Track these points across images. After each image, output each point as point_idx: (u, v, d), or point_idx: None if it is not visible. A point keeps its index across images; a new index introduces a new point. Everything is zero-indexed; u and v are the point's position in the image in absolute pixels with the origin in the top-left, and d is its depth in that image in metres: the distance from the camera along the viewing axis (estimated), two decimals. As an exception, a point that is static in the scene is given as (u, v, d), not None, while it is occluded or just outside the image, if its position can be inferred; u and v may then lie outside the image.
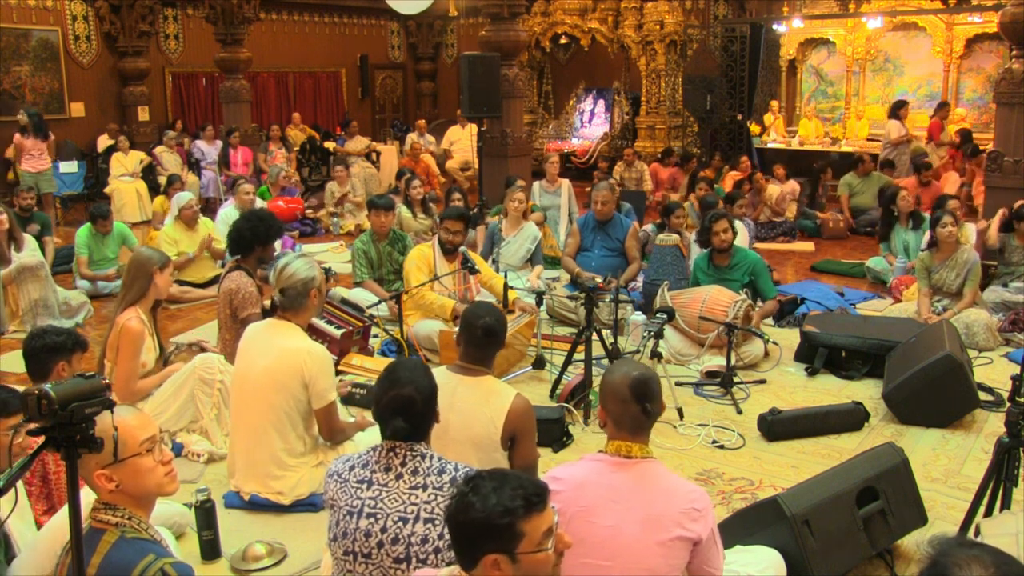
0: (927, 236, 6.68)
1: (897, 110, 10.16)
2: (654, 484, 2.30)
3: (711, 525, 2.28)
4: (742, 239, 6.44)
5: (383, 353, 5.34)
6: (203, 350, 4.43)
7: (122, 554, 1.96)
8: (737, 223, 6.49)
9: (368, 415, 3.77)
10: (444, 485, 2.30)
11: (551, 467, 3.20)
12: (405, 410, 2.35)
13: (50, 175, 9.32)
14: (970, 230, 6.42)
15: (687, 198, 8.91)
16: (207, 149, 11.58)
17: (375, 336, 5.52)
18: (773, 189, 9.23)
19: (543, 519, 1.76)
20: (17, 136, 9.35)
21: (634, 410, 2.33)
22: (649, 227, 7.05)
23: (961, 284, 5.57)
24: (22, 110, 9.68)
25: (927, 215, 7.18)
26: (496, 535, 1.71)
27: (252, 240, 4.56)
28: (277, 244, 5.04)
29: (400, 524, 2.27)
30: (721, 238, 5.44)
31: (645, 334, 5.25)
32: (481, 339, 2.98)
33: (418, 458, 2.35)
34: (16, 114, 10.17)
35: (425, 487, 2.30)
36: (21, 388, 2.59)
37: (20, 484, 2.74)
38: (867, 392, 4.70)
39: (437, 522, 2.26)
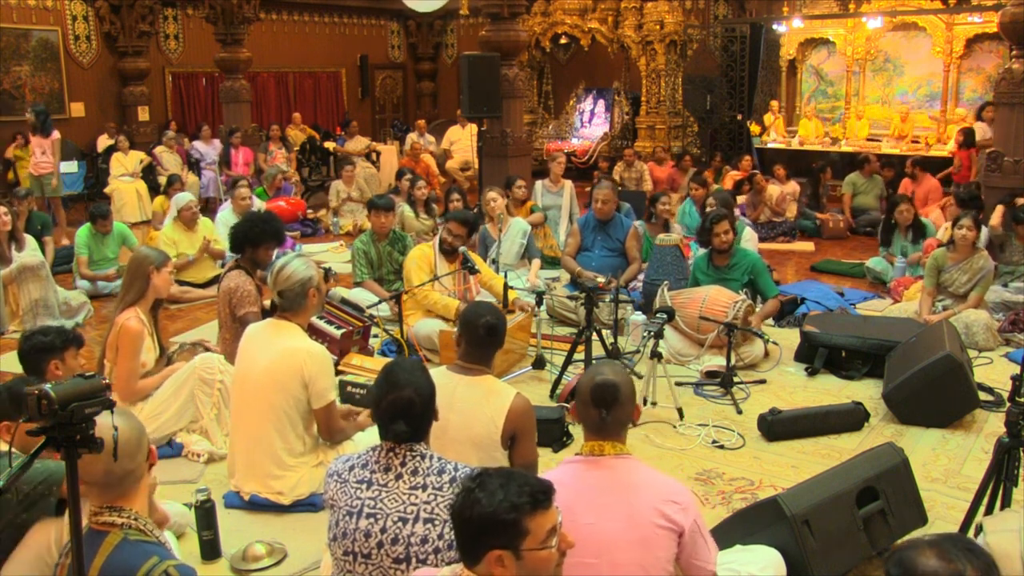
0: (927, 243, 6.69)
1: (982, 111, 10.07)
2: (627, 479, 2.31)
3: (693, 516, 2.28)
4: (751, 243, 6.40)
5: (383, 353, 5.34)
6: (207, 350, 4.43)
7: (125, 556, 1.95)
8: (748, 228, 6.48)
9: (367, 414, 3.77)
10: (444, 485, 2.30)
11: (551, 467, 3.20)
12: (405, 413, 2.35)
13: (53, 177, 9.17)
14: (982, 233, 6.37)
15: (685, 198, 8.91)
16: (205, 149, 11.58)
17: (375, 336, 5.52)
18: (773, 189, 9.23)
19: (548, 517, 1.79)
20: (29, 133, 9.17)
21: (593, 415, 2.35)
22: (637, 223, 7.04)
23: (970, 289, 5.55)
24: (29, 108, 9.49)
25: (929, 222, 7.18)
26: (501, 531, 1.74)
27: (243, 240, 4.58)
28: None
29: (400, 524, 2.27)
30: (722, 239, 5.44)
31: (645, 334, 5.26)
32: (484, 338, 2.98)
33: (418, 458, 2.35)
34: (21, 113, 10.06)
35: (425, 487, 2.30)
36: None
37: None
38: (867, 392, 4.70)
39: (437, 522, 2.26)
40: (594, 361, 4.60)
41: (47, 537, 2.51)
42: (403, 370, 2.45)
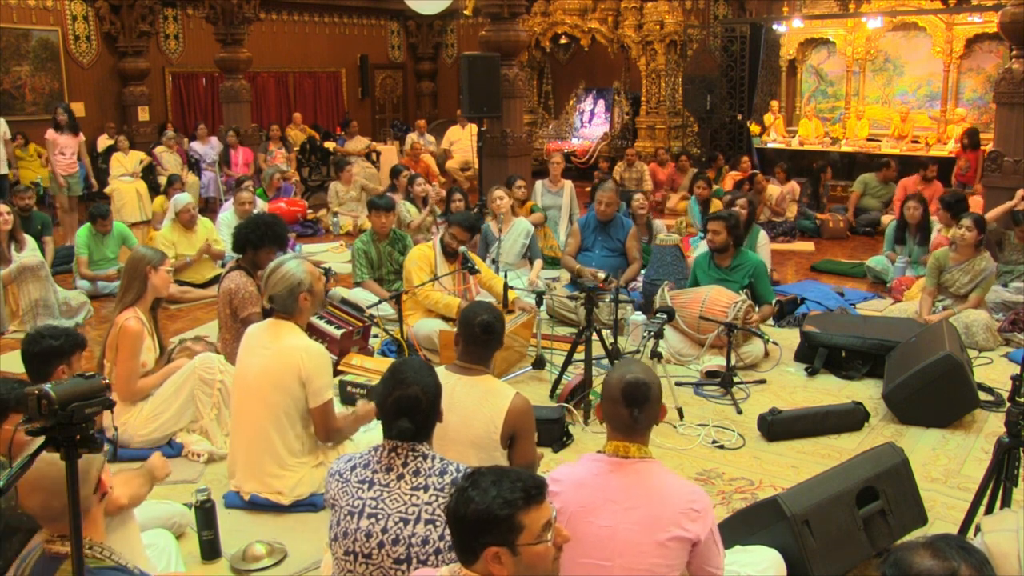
0: (934, 237, 6.69)
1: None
2: (652, 484, 2.30)
3: (710, 525, 2.28)
4: (765, 248, 6.38)
5: (383, 353, 5.34)
6: (206, 345, 4.43)
7: None
8: (763, 234, 6.46)
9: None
10: (445, 487, 2.30)
11: (552, 467, 3.21)
12: (410, 410, 2.35)
13: (79, 177, 9.12)
14: None
15: (688, 198, 8.95)
16: (203, 150, 11.58)
17: (375, 336, 5.52)
18: (773, 189, 9.23)
19: (542, 512, 1.81)
20: (50, 132, 8.95)
21: (623, 414, 2.32)
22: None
23: (970, 290, 5.54)
24: (59, 106, 9.19)
25: (935, 221, 7.17)
26: (496, 527, 1.76)
27: (244, 242, 4.59)
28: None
29: (401, 525, 2.27)
30: (710, 238, 5.46)
31: (645, 334, 5.25)
32: (480, 336, 2.98)
33: (420, 458, 2.35)
34: (22, 113, 10.00)
35: (426, 488, 2.30)
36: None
37: None
38: (867, 392, 4.70)
39: (438, 523, 2.26)
40: (594, 362, 4.61)
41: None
42: (411, 368, 2.45)
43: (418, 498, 2.29)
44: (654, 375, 2.43)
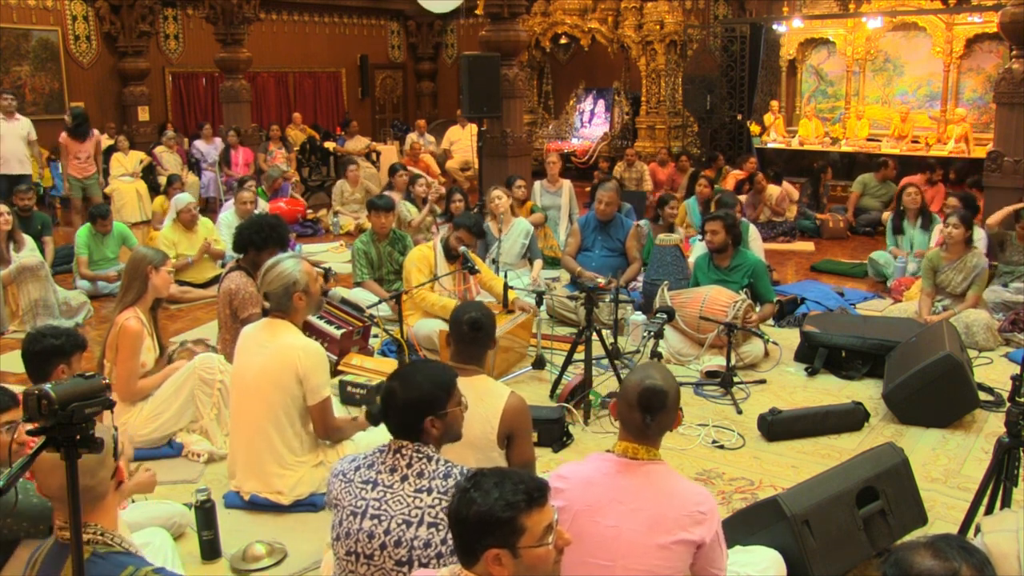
0: (936, 236, 6.69)
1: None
2: (659, 486, 2.29)
3: (715, 528, 2.27)
4: (756, 242, 6.41)
5: (383, 353, 5.34)
6: (208, 348, 4.43)
7: (99, 570, 1.93)
8: (752, 228, 6.49)
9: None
10: (449, 490, 2.28)
11: (552, 467, 3.21)
12: (384, 399, 2.41)
13: (96, 179, 9.08)
14: (979, 234, 6.35)
15: (687, 198, 8.94)
16: (206, 149, 11.58)
17: (375, 336, 5.52)
18: (773, 189, 9.23)
19: (544, 515, 1.81)
20: (63, 136, 8.91)
21: (637, 418, 2.32)
22: (643, 222, 7.08)
23: (966, 288, 5.55)
24: (69, 110, 9.25)
25: (937, 216, 7.19)
26: (498, 529, 1.76)
27: (247, 243, 4.59)
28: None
29: (403, 527, 2.27)
30: (708, 238, 5.47)
31: (645, 334, 5.26)
32: (468, 334, 2.97)
33: (424, 460, 2.34)
34: (22, 113, 9.96)
35: (430, 491, 2.29)
36: (20, 388, 2.58)
37: None
38: (867, 392, 4.70)
39: (440, 527, 2.25)
40: (594, 362, 4.61)
41: (27, 553, 2.50)
42: (416, 369, 2.50)
43: (421, 500, 2.29)
44: (673, 381, 2.40)
